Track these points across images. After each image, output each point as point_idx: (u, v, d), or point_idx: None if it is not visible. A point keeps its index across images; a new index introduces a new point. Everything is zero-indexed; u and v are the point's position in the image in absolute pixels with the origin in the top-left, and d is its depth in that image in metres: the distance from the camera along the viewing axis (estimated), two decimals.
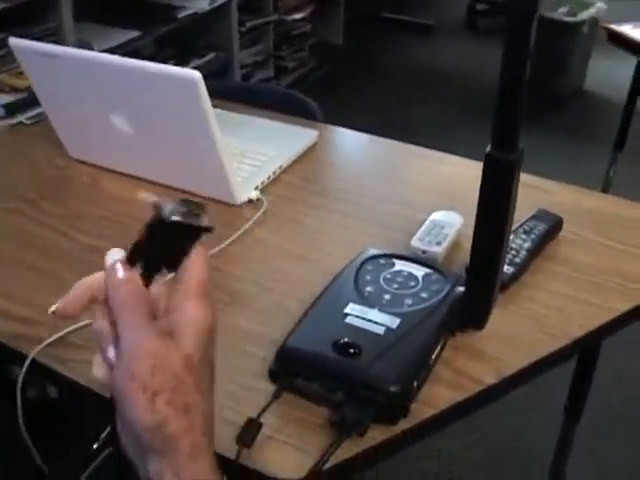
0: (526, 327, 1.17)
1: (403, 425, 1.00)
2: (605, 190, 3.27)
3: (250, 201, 1.48)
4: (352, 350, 1.00)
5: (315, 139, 1.69)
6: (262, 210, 1.44)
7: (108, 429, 0.79)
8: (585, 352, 1.67)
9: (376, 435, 0.98)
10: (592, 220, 1.44)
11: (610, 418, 2.44)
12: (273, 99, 1.95)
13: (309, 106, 1.88)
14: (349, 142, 1.76)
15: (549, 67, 4.48)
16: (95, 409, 1.17)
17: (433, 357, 1.05)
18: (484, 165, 0.97)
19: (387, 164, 1.67)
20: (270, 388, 1.02)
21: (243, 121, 1.75)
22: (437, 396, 1.04)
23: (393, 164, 1.67)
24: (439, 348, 1.07)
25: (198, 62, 3.58)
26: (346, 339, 1.01)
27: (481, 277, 1.05)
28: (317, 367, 1.00)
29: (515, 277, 1.24)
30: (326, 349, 1.01)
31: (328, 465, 0.94)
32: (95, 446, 0.96)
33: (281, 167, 1.58)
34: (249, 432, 0.95)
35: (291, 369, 1.02)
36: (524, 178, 1.57)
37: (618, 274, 1.28)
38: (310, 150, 1.67)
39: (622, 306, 1.21)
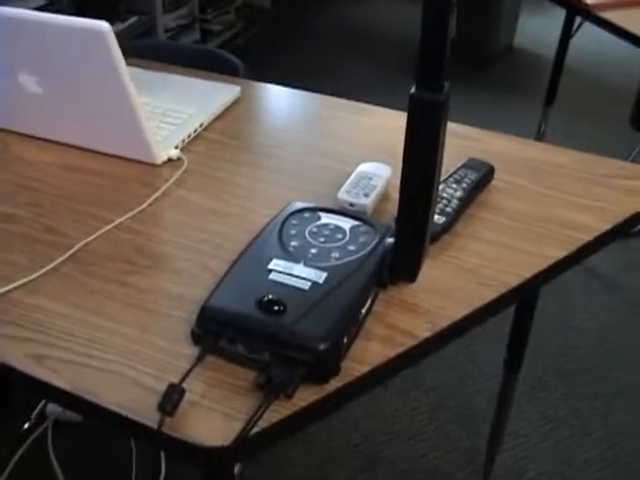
0: (460, 278, 1.12)
1: (335, 384, 0.95)
2: None
3: (170, 160, 1.41)
4: (276, 307, 0.95)
5: (237, 95, 1.63)
6: (183, 169, 1.37)
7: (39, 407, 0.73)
8: (522, 302, 1.64)
9: (306, 396, 0.93)
10: (524, 168, 1.40)
11: (551, 369, 2.43)
12: (195, 58, 1.88)
13: (232, 63, 1.81)
14: (273, 97, 1.70)
15: (478, 25, 4.46)
16: (25, 388, 1.11)
17: (363, 312, 1.00)
18: (409, 107, 0.91)
19: (313, 118, 1.61)
20: (195, 352, 0.97)
21: (163, 80, 1.68)
22: (369, 352, 0.99)
23: (320, 118, 1.61)
24: (369, 302, 1.02)
25: (120, 27, 3.48)
26: (270, 296, 0.96)
27: (410, 226, 1.00)
28: (240, 327, 0.95)
29: (447, 227, 1.19)
30: (249, 308, 0.95)
31: (256, 430, 0.88)
32: (26, 426, 0.90)
33: (202, 125, 1.52)
34: (171, 399, 0.89)
35: (214, 330, 0.96)
36: (455, 128, 1.54)
37: (552, 221, 1.24)
38: (233, 107, 1.61)
39: (557, 253, 1.18)
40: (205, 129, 1.52)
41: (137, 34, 3.56)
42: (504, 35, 4.66)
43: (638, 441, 2.20)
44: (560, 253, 1.18)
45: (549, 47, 3.20)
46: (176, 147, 1.43)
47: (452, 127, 1.50)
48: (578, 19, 2.97)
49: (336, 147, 1.47)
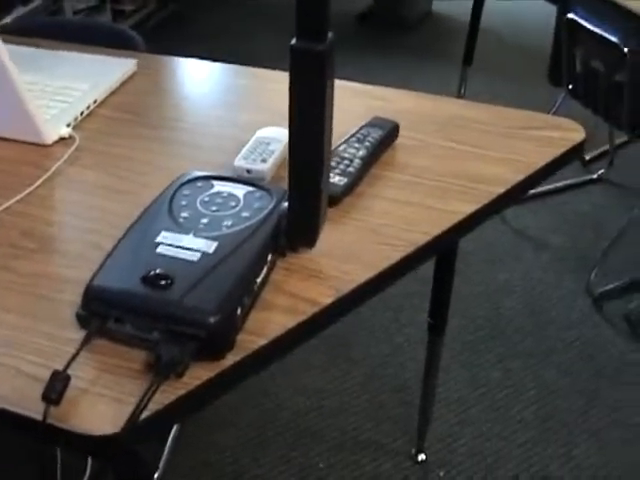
0: (364, 240, 1.07)
1: (231, 359, 0.89)
2: None
3: (63, 139, 1.34)
4: (163, 282, 0.89)
5: (133, 68, 1.56)
6: (74, 147, 1.30)
7: None
8: (439, 262, 1.60)
9: (200, 374, 0.87)
10: (433, 124, 1.35)
11: (482, 332, 2.41)
12: (91, 34, 1.80)
13: (129, 37, 1.73)
14: (173, 69, 1.63)
15: None
16: None
17: (259, 281, 0.95)
18: (290, 60, 0.86)
19: (214, 88, 1.55)
20: (82, 336, 0.90)
21: (56, 57, 1.60)
22: (268, 323, 0.94)
23: (218, 87, 1.55)
24: (265, 270, 0.97)
25: (23, 10, 3.35)
26: (156, 270, 0.89)
27: (303, 188, 0.95)
28: (126, 305, 0.88)
29: (349, 188, 1.14)
30: (135, 284, 0.89)
31: (148, 413, 0.82)
32: None
33: (96, 101, 1.44)
34: (55, 387, 0.83)
35: (99, 311, 0.90)
36: (360, 87, 1.49)
37: (461, 176, 1.20)
38: (129, 81, 1.54)
39: (467, 208, 1.14)
40: (100, 105, 1.45)
41: (43, 17, 3.44)
42: (422, 1, 4.62)
43: (569, 398, 2.19)
44: (470, 207, 1.14)
45: (467, 11, 3.16)
46: (68, 125, 1.36)
47: (358, 87, 1.45)
48: None
49: (237, 115, 1.41)
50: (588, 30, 2.37)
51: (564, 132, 1.32)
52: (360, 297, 1.01)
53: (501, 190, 1.18)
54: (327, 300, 0.97)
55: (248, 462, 2.01)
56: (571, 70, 2.52)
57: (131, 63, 1.56)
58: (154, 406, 0.83)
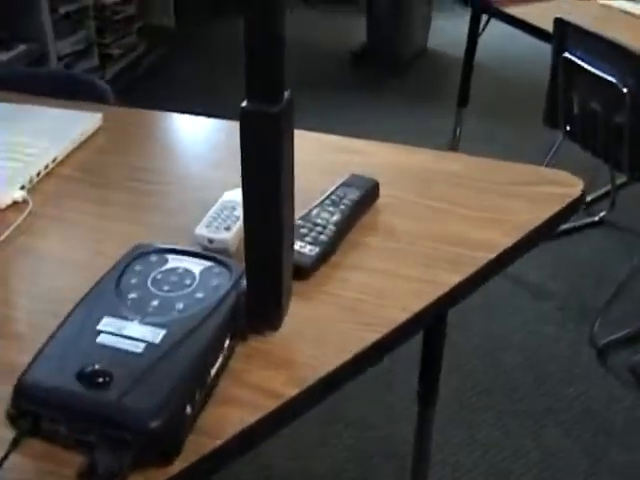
0: (337, 318, 0.96)
1: (179, 465, 0.78)
2: (454, 148, 3.13)
3: (16, 203, 1.23)
4: (100, 379, 0.78)
5: (98, 123, 1.45)
6: (27, 212, 1.20)
7: None
8: (428, 330, 1.48)
9: None
10: (414, 180, 1.25)
11: (479, 388, 2.29)
12: (58, 85, 1.69)
13: (98, 88, 1.63)
14: (142, 123, 1.52)
15: (390, 29, 4.34)
16: None
17: (213, 372, 0.84)
18: (240, 123, 0.75)
19: (183, 144, 1.46)
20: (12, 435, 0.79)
21: (14, 111, 1.50)
22: (224, 421, 0.83)
23: (190, 143, 1.46)
24: (221, 359, 0.86)
25: (6, 56, 3.26)
26: (94, 366, 0.78)
27: (262, 263, 0.84)
28: (60, 405, 0.78)
29: (322, 258, 1.03)
30: (69, 381, 0.78)
31: None
32: None
33: (55, 159, 1.34)
34: None
35: (31, 409, 0.79)
36: (334, 141, 1.38)
37: (445, 240, 1.10)
38: (94, 136, 1.44)
39: (451, 278, 1.03)
40: (60, 164, 1.35)
41: (27, 63, 3.35)
42: (417, 38, 4.56)
43: (573, 460, 2.06)
44: (455, 278, 1.03)
45: (463, 49, 3.07)
46: (22, 187, 1.25)
47: (332, 140, 1.35)
48: (486, 18, 2.86)
49: (208, 175, 1.31)
50: (585, 70, 2.28)
51: (560, 187, 1.23)
52: (330, 387, 0.90)
53: (490, 256, 1.07)
54: (292, 392, 0.86)
55: None
56: (568, 111, 2.43)
57: (96, 117, 1.46)
58: None
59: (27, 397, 0.80)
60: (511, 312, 2.60)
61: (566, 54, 2.36)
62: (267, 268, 0.85)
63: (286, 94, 0.77)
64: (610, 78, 2.20)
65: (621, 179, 2.94)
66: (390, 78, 4.36)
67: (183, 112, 1.53)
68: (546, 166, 2.24)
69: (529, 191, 1.22)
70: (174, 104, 1.62)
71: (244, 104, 0.76)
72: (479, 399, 2.25)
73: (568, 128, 2.48)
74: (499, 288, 2.68)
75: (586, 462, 2.05)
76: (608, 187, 3.08)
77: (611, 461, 2.06)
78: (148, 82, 1.65)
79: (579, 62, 2.31)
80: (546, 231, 1.16)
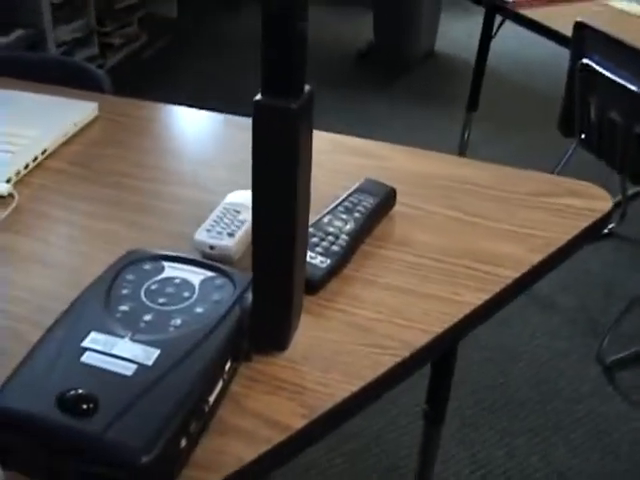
0: (349, 340, 0.87)
1: None
2: (462, 153, 3.03)
3: (1, 197, 1.13)
4: (84, 406, 0.68)
5: (94, 113, 1.36)
6: (11, 208, 1.10)
7: None
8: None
9: None
10: (434, 187, 1.16)
11: (483, 404, 2.19)
12: (52, 71, 1.59)
13: (94, 76, 1.53)
14: (139, 115, 1.42)
15: (397, 30, 4.24)
16: None
17: (211, 399, 0.74)
18: (253, 120, 0.66)
19: (183, 138, 1.36)
20: None
21: (2, 98, 1.40)
22: (222, 455, 0.73)
23: (191, 138, 1.36)
24: (221, 384, 0.76)
25: (3, 40, 3.16)
26: (78, 390, 0.68)
27: (270, 277, 0.74)
28: (37, 435, 0.67)
29: (333, 271, 0.94)
30: (48, 407, 0.68)
31: None
32: None
33: (45, 151, 1.24)
34: None
35: (4, 438, 0.69)
36: (350, 142, 1.28)
37: (466, 255, 1.01)
38: (88, 127, 1.34)
39: (476, 297, 0.93)
40: (50, 156, 1.25)
41: (24, 48, 3.24)
42: (425, 40, 4.46)
43: None
44: (479, 297, 0.94)
45: (472, 51, 2.97)
46: (8, 181, 1.16)
47: (348, 141, 1.26)
48: (499, 19, 2.77)
49: (210, 173, 1.21)
50: (605, 77, 2.18)
51: (588, 200, 1.13)
52: (339, 418, 0.80)
53: (516, 275, 0.98)
54: (298, 424, 0.76)
55: None
56: (585, 119, 2.33)
57: (91, 107, 1.36)
58: None
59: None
60: (519, 324, 2.50)
61: (585, 59, 2.26)
62: (277, 281, 0.75)
63: (306, 88, 0.68)
64: (631, 87, 2.10)
65: (632, 190, 2.85)
66: (397, 78, 4.27)
67: (184, 105, 1.43)
68: (557, 175, 2.14)
69: (556, 203, 1.13)
70: (175, 97, 1.52)
71: (258, 97, 0.66)
72: (483, 415, 2.16)
73: (583, 136, 2.38)
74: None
75: None
76: (618, 198, 2.98)
77: None
78: (149, 73, 1.56)
79: (598, 68, 2.21)
80: (574, 248, 1.07)
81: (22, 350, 0.76)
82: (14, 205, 1.11)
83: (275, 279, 0.76)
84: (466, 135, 3.03)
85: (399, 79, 4.25)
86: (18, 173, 1.19)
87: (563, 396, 2.23)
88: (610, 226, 2.97)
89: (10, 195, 1.14)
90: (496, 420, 2.15)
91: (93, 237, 1.05)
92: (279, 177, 0.69)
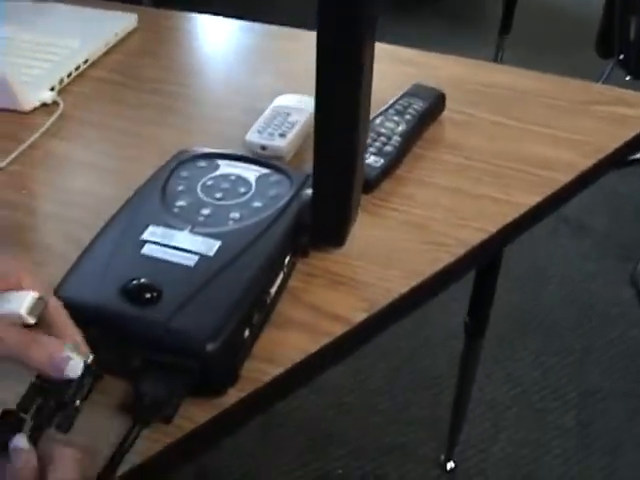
0: (406, 237, 0.86)
1: (235, 395, 0.68)
2: None
3: (45, 105, 1.12)
4: (147, 295, 0.68)
5: (133, 24, 1.35)
6: (57, 115, 1.10)
7: None
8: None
9: (194, 415, 0.66)
10: (483, 95, 1.14)
11: (517, 325, 2.19)
12: None
13: None
14: (178, 26, 1.41)
15: None
16: None
17: (272, 291, 0.74)
18: (318, 19, 0.64)
19: (223, 48, 1.34)
20: None
21: (42, 10, 1.38)
22: (283, 347, 0.73)
23: (231, 47, 1.34)
24: (282, 277, 0.75)
25: None
26: (139, 279, 0.68)
27: (331, 172, 0.73)
28: (100, 325, 0.67)
29: (387, 171, 0.93)
30: (111, 297, 0.68)
31: (128, 467, 0.62)
32: None
33: (87, 61, 1.23)
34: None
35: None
36: (396, 51, 1.27)
37: (518, 159, 0.99)
38: (128, 38, 1.33)
39: (529, 199, 0.92)
40: (91, 66, 1.24)
41: None
42: None
43: (613, 402, 1.97)
44: (533, 199, 0.93)
45: None
46: (52, 89, 1.15)
47: (393, 50, 1.24)
48: None
49: (252, 81, 1.20)
50: None
51: (638, 110, 1.11)
52: (399, 312, 0.80)
53: (568, 178, 0.96)
54: (358, 317, 0.76)
55: (259, 466, 1.81)
56: (623, 38, 2.28)
57: (131, 18, 1.35)
58: (135, 458, 0.63)
59: None
60: (550, 246, 2.49)
61: None
62: (338, 176, 0.74)
63: None
64: None
65: None
66: (426, 4, 4.20)
67: (225, 16, 1.41)
68: None
69: (606, 111, 1.11)
70: (215, 7, 1.50)
71: None
72: (518, 336, 2.16)
73: (621, 57, 2.34)
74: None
75: (626, 405, 1.96)
76: None
77: None
78: None
79: None
80: (624, 154, 1.06)
81: (72, 250, 0.76)
82: (59, 112, 1.10)
83: (336, 174, 0.75)
84: (499, 59, 2.98)
85: (429, 1, 4.19)
86: (61, 81, 1.17)
87: (595, 317, 2.23)
88: (638, 155, 2.93)
89: (55, 103, 1.13)
90: (530, 340, 2.15)
91: (141, 142, 1.04)
92: (345, 73, 0.68)
